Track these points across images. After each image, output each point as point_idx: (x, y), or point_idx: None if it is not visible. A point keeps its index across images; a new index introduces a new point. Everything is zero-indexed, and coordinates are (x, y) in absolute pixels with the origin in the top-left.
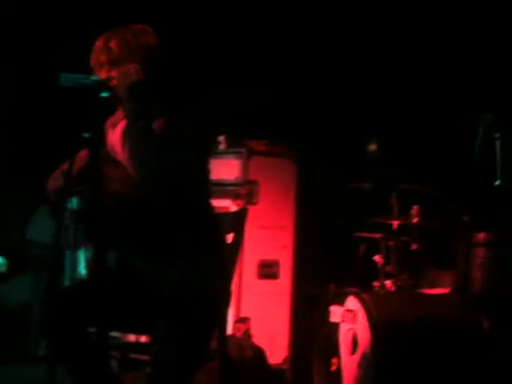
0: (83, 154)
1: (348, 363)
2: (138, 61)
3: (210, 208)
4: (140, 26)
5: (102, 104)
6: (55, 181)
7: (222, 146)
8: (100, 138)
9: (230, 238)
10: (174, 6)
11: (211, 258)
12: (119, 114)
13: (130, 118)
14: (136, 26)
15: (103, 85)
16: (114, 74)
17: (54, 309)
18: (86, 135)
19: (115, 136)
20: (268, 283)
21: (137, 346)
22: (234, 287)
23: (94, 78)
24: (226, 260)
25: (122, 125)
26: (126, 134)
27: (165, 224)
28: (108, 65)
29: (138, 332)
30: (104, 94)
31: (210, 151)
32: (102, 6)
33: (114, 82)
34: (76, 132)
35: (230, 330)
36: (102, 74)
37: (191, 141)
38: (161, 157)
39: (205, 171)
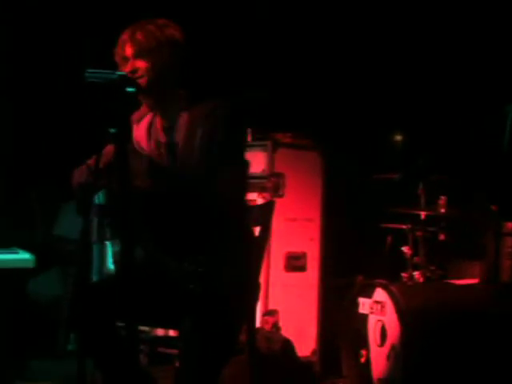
0: (109, 149)
1: (377, 355)
2: (164, 52)
3: (239, 202)
4: (163, 19)
5: (127, 99)
6: (80, 176)
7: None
8: (126, 133)
9: (257, 231)
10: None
11: (239, 252)
12: (144, 108)
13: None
14: (159, 20)
15: (129, 79)
16: (139, 64)
17: (82, 304)
18: (112, 130)
19: (140, 131)
20: (295, 276)
21: (165, 339)
22: (261, 280)
23: (119, 72)
24: (253, 253)
25: (147, 119)
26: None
27: (191, 218)
28: (134, 57)
29: (166, 326)
30: (130, 89)
31: (244, 148)
32: (124, 4)
33: (138, 74)
34: (102, 127)
35: (258, 323)
36: (126, 68)
37: (226, 141)
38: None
39: (239, 167)
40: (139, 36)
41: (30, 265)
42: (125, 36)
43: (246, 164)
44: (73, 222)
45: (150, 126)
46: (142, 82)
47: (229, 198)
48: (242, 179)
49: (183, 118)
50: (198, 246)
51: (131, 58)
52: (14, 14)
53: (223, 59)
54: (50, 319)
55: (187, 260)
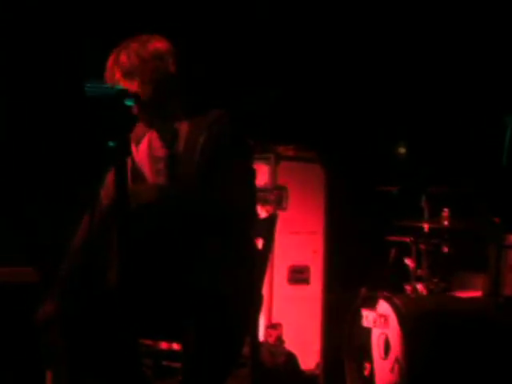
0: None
1: (380, 367)
2: (150, 68)
3: (247, 212)
4: (146, 35)
5: (127, 112)
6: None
7: None
8: (126, 146)
9: (259, 244)
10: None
11: (242, 264)
12: (140, 127)
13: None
14: (143, 36)
15: (128, 93)
16: (129, 86)
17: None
18: (111, 144)
19: (140, 153)
20: (299, 288)
21: (169, 353)
22: (264, 293)
23: (118, 87)
24: (256, 266)
25: (146, 140)
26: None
27: (194, 231)
28: (122, 79)
29: (169, 339)
30: (129, 103)
31: (250, 156)
32: (124, 14)
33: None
34: (101, 141)
35: (261, 337)
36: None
37: (231, 149)
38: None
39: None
40: (123, 58)
41: (34, 279)
42: (110, 61)
43: (253, 172)
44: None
45: (150, 146)
46: (136, 99)
47: (235, 207)
48: (250, 186)
49: (183, 129)
50: (202, 257)
51: (120, 81)
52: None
53: (225, 67)
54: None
55: (190, 271)
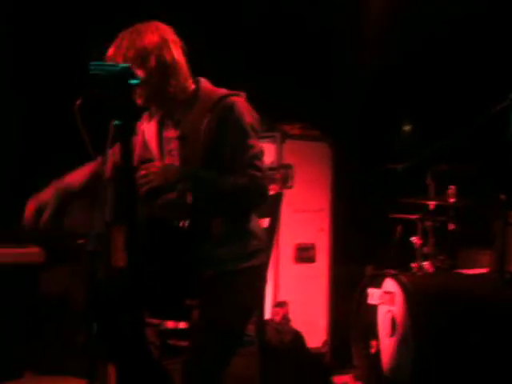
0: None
1: (387, 345)
2: (150, 58)
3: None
4: (145, 23)
5: (131, 91)
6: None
7: None
8: (131, 125)
9: (265, 222)
10: None
11: (247, 243)
12: (153, 107)
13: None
14: (141, 25)
15: (132, 72)
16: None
17: (96, 298)
18: (117, 123)
19: (150, 130)
20: (305, 267)
21: (176, 332)
22: (271, 271)
23: (122, 65)
24: (261, 244)
25: (156, 119)
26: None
27: (199, 210)
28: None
29: (176, 318)
30: (133, 81)
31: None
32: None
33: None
34: (107, 120)
35: (268, 315)
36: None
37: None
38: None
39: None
40: (123, 50)
41: (40, 259)
42: (111, 50)
43: (260, 151)
44: (83, 217)
45: (160, 125)
46: (139, 92)
47: (238, 188)
48: (255, 166)
49: (190, 111)
50: (207, 236)
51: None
52: (16, 10)
53: (231, 49)
54: (61, 313)
55: (197, 249)
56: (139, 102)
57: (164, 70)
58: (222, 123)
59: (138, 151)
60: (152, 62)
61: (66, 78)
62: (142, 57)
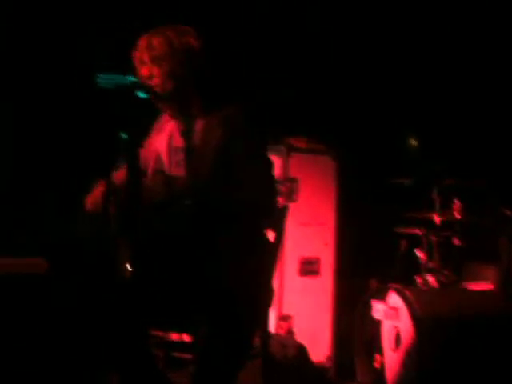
0: (120, 175)
1: (391, 360)
2: (180, 59)
3: (264, 204)
4: (183, 26)
5: (139, 104)
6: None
7: None
8: (137, 138)
9: (270, 235)
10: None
11: (252, 256)
12: (164, 116)
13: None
14: (180, 27)
15: (140, 85)
16: (155, 71)
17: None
18: (124, 136)
19: (161, 142)
20: (309, 280)
21: (180, 344)
22: (275, 285)
23: (130, 78)
24: (267, 258)
25: (168, 128)
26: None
27: (206, 223)
28: (151, 62)
29: (181, 330)
30: (141, 95)
31: (265, 147)
32: (137, 6)
33: (155, 81)
34: (114, 132)
35: (272, 328)
36: (143, 72)
37: (246, 141)
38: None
39: (262, 168)
40: (156, 42)
41: (41, 269)
42: (143, 41)
43: (269, 164)
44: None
45: (171, 135)
46: (158, 88)
47: (249, 200)
48: (265, 178)
49: (200, 123)
50: (213, 249)
51: (148, 64)
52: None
53: (238, 62)
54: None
55: (202, 263)
56: (158, 99)
57: (191, 77)
58: (234, 138)
59: (152, 164)
60: (184, 65)
61: (57, 81)
62: (176, 56)
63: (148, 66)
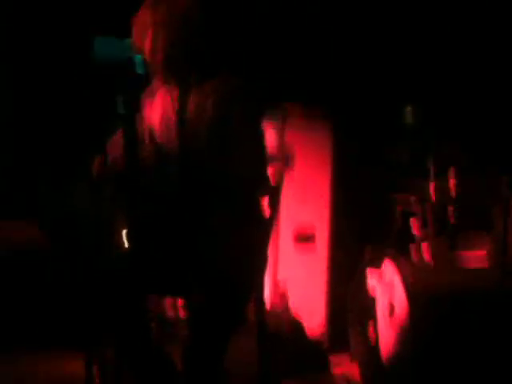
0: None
1: (385, 333)
2: (176, 29)
3: (257, 176)
4: None
5: (137, 80)
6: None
7: None
8: (135, 114)
9: (266, 200)
10: None
11: (247, 228)
12: (156, 83)
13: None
14: None
15: (138, 61)
16: (153, 38)
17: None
18: (121, 112)
19: (154, 112)
20: (304, 247)
21: (175, 321)
22: (270, 252)
23: (127, 41)
24: (262, 228)
25: (160, 98)
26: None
27: (203, 196)
28: (148, 29)
29: (175, 294)
30: (139, 71)
31: (260, 118)
32: None
33: (150, 48)
34: (111, 108)
35: (267, 294)
36: (140, 38)
37: (239, 112)
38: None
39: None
40: (161, 8)
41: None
42: (147, 4)
43: (261, 134)
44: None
45: (164, 107)
46: (154, 56)
47: (242, 172)
48: (258, 149)
49: (194, 94)
50: (209, 219)
51: (150, 27)
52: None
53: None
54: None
55: (198, 232)
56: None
57: (188, 44)
58: (227, 105)
59: (147, 136)
60: (188, 29)
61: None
62: (179, 22)
63: (150, 30)
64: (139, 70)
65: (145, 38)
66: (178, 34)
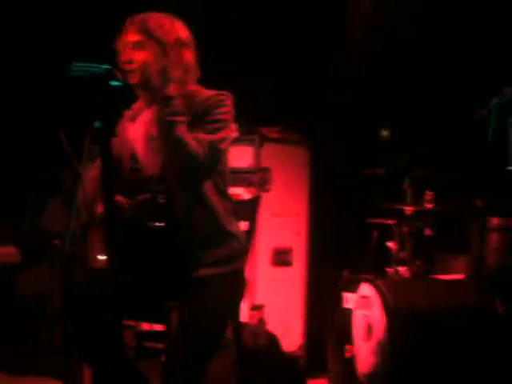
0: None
1: (362, 350)
2: (166, 48)
3: (225, 197)
4: (171, 16)
5: (112, 92)
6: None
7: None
8: (110, 126)
9: (243, 225)
10: None
11: (228, 245)
12: (139, 104)
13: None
14: (170, 18)
15: (114, 73)
16: (138, 56)
17: (73, 298)
18: (97, 124)
19: (136, 130)
20: (282, 270)
21: (151, 334)
22: (248, 275)
23: (104, 66)
24: (242, 247)
25: (144, 117)
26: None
27: (178, 213)
28: (135, 46)
29: (153, 320)
30: (114, 83)
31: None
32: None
33: (134, 66)
34: (87, 121)
35: (244, 318)
36: (125, 56)
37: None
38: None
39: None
40: (142, 27)
41: (16, 259)
42: (131, 23)
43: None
44: (58, 216)
45: (147, 123)
46: (137, 75)
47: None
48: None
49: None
50: (188, 239)
51: (132, 47)
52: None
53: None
54: (37, 313)
55: (174, 253)
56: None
57: (178, 64)
58: (203, 113)
59: (125, 152)
60: (173, 52)
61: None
62: (164, 43)
63: (132, 49)
64: (115, 83)
65: (126, 59)
66: (156, 55)
